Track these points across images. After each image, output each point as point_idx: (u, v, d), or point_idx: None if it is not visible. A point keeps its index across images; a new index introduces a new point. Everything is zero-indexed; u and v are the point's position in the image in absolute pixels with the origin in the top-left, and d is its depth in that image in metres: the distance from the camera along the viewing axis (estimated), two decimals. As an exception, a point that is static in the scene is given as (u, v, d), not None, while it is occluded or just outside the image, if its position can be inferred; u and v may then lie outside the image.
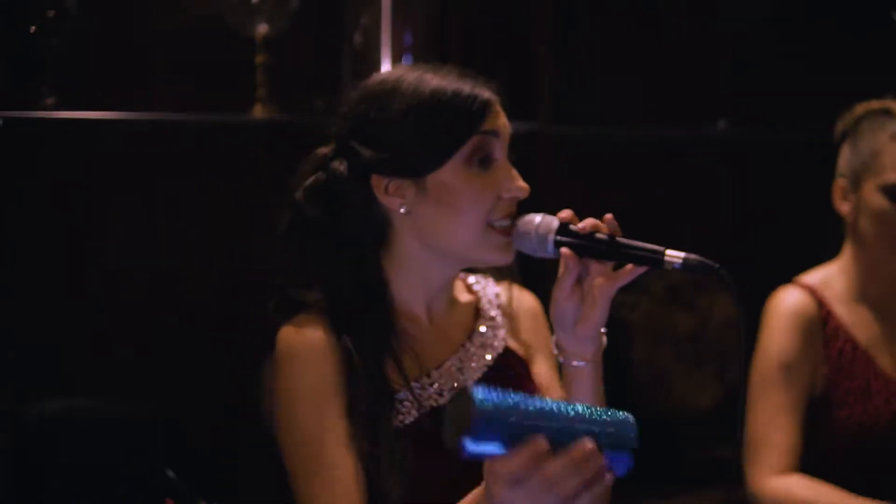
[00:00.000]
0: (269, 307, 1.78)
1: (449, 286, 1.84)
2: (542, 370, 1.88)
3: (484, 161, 1.70)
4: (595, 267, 1.62)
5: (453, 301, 1.87)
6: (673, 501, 3.42)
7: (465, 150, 1.70)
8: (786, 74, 3.81)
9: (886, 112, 2.52)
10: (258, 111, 2.92)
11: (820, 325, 2.48)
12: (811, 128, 3.78)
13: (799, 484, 2.37)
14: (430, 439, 1.61)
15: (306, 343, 1.71)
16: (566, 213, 1.66)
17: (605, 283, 1.62)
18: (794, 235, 3.78)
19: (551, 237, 1.64)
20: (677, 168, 3.72)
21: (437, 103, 1.70)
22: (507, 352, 1.86)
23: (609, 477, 1.35)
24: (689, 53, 3.72)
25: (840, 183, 2.52)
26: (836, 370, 2.46)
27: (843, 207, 2.51)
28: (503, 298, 1.92)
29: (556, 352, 1.70)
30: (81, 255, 2.85)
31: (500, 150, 1.73)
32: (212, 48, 2.98)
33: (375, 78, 1.78)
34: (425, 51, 3.05)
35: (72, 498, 2.61)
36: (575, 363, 1.67)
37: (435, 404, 1.73)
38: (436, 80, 1.73)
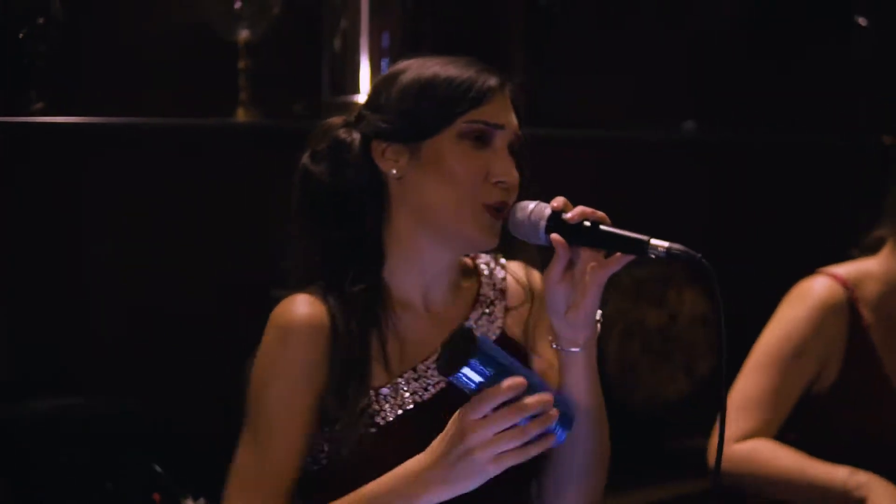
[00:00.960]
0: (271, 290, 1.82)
1: (447, 272, 1.84)
2: (543, 355, 1.86)
3: (479, 140, 1.74)
4: (586, 254, 1.65)
5: (455, 288, 1.88)
6: (654, 492, 3.50)
7: (462, 126, 1.74)
8: (753, 75, 3.89)
9: None
10: (241, 115, 2.97)
11: (847, 321, 2.48)
12: (779, 128, 3.90)
13: (763, 448, 2.38)
14: (406, 442, 1.65)
15: (299, 320, 1.73)
16: (559, 201, 1.68)
17: (595, 270, 1.65)
18: (764, 234, 3.88)
19: (543, 224, 1.68)
20: (647, 169, 3.78)
21: (441, 79, 1.76)
22: (503, 339, 1.86)
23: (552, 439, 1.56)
24: (658, 54, 3.79)
25: None
26: (853, 370, 2.47)
27: None
28: (509, 281, 1.93)
29: (549, 338, 1.74)
30: (67, 256, 2.86)
31: (500, 140, 1.76)
32: (195, 54, 3.02)
33: (400, 62, 1.85)
34: (402, 54, 3.09)
35: (59, 493, 2.62)
36: (568, 349, 1.70)
37: (420, 400, 1.74)
38: (448, 62, 1.79)
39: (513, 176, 1.74)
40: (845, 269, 2.53)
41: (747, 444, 2.39)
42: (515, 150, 1.78)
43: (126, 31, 2.99)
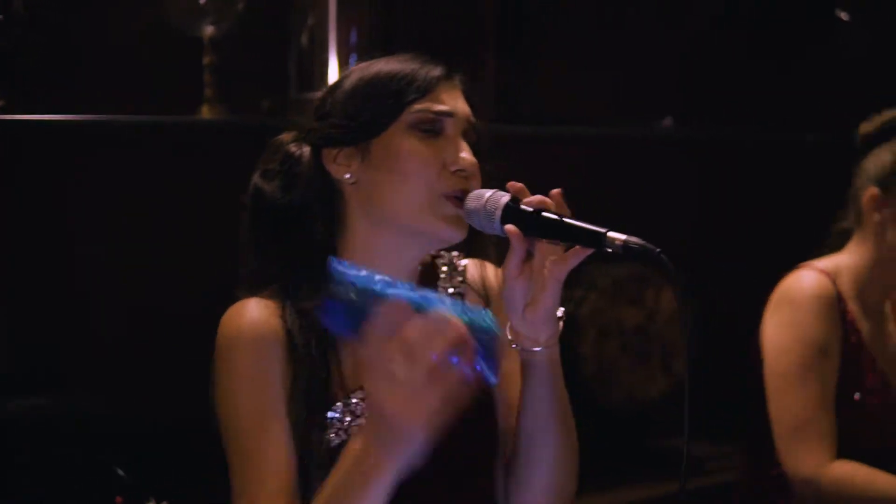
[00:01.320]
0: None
1: (407, 272, 1.76)
2: (513, 367, 1.73)
3: (430, 131, 1.68)
4: (544, 247, 1.58)
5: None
6: (636, 491, 3.48)
7: (409, 117, 1.68)
8: (732, 72, 3.86)
9: None
10: (205, 112, 2.93)
11: (839, 310, 2.50)
12: (764, 125, 3.86)
13: (858, 470, 2.40)
14: None
15: (252, 326, 1.66)
16: (515, 187, 1.61)
17: (554, 264, 1.57)
18: (744, 230, 3.84)
19: (498, 213, 1.60)
20: (626, 165, 3.75)
21: (383, 75, 1.71)
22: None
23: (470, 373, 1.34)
24: (638, 51, 3.75)
25: (872, 191, 2.52)
26: (848, 357, 2.49)
27: (874, 216, 2.52)
28: (469, 281, 1.85)
29: (509, 336, 1.64)
30: (30, 254, 2.83)
31: (451, 127, 1.70)
32: (159, 49, 2.98)
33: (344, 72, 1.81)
34: (371, 50, 3.05)
35: (22, 495, 2.59)
36: (528, 349, 1.62)
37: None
38: (391, 59, 1.74)
39: (470, 162, 1.67)
40: (823, 264, 2.55)
41: (841, 469, 2.42)
42: (472, 139, 1.72)
43: (89, 28, 2.95)
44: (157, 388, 2.83)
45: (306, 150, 1.77)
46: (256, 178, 1.78)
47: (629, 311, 3.61)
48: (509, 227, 1.58)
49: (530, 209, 1.58)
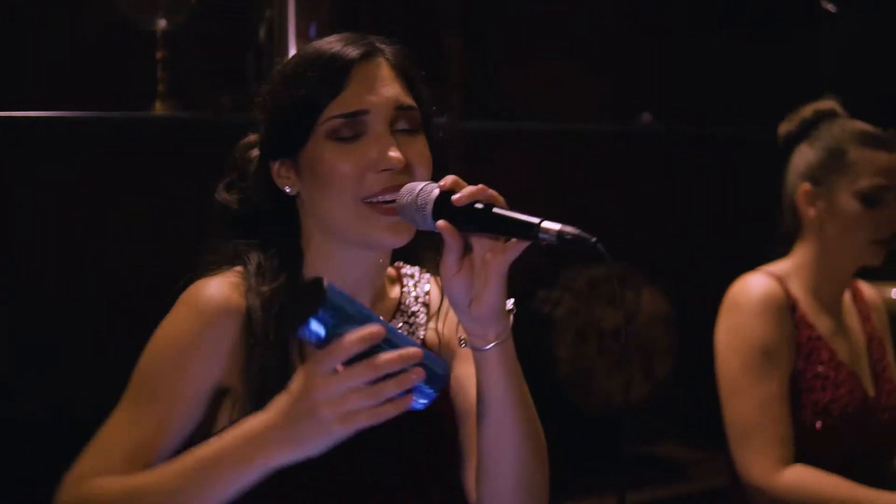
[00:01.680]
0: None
1: (370, 280, 1.72)
2: (468, 370, 1.70)
3: (347, 138, 1.61)
4: (481, 241, 1.51)
5: (379, 297, 1.76)
6: (613, 498, 3.37)
7: (324, 127, 1.61)
8: (708, 68, 3.79)
9: (833, 113, 2.60)
10: (158, 108, 2.85)
11: (789, 310, 2.50)
12: (734, 121, 3.78)
13: (808, 474, 2.39)
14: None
15: (212, 298, 1.62)
16: (448, 180, 1.53)
17: (493, 258, 1.50)
18: (721, 228, 3.76)
19: (429, 208, 1.52)
20: (598, 162, 3.68)
21: (298, 72, 1.64)
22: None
23: (408, 400, 1.39)
24: (608, 46, 3.69)
25: (805, 187, 2.54)
26: (806, 355, 2.48)
27: (809, 212, 2.53)
28: (433, 293, 1.81)
29: (460, 336, 1.60)
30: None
31: (373, 123, 1.61)
32: (111, 43, 2.90)
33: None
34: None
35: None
36: (478, 347, 1.56)
37: None
38: (314, 46, 1.66)
39: (393, 158, 1.59)
40: (773, 267, 2.58)
41: (791, 474, 2.40)
42: (407, 122, 1.63)
43: (38, 21, 2.88)
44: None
45: (255, 158, 1.73)
46: (220, 190, 1.75)
47: (607, 313, 3.52)
48: (441, 222, 1.50)
49: (462, 202, 1.50)
